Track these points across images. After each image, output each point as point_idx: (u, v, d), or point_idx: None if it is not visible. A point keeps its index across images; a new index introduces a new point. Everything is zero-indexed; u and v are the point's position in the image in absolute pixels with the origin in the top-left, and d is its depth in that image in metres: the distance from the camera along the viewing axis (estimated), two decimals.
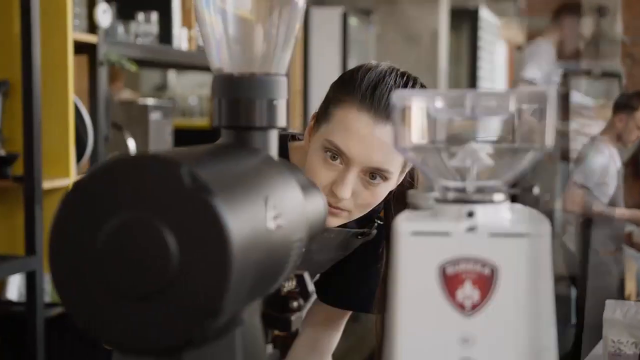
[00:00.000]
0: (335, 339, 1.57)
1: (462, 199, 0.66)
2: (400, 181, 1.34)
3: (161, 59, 3.45)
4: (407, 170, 1.33)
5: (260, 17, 0.76)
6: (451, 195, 0.67)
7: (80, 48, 2.73)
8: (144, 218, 0.57)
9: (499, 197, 0.66)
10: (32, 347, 2.52)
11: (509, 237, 0.63)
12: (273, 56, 0.76)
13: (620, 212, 4.55)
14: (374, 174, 1.26)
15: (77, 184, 0.60)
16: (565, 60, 4.65)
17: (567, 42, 4.60)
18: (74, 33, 2.64)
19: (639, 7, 4.54)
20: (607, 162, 4.34)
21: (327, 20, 5.26)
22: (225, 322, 0.61)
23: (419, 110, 0.67)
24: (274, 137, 0.76)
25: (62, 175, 2.58)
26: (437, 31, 5.94)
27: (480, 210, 0.65)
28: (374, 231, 1.42)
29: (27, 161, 2.35)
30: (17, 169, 2.48)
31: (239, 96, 0.73)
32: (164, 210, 0.57)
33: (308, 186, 0.80)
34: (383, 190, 1.29)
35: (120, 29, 3.08)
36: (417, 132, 0.67)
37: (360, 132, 1.23)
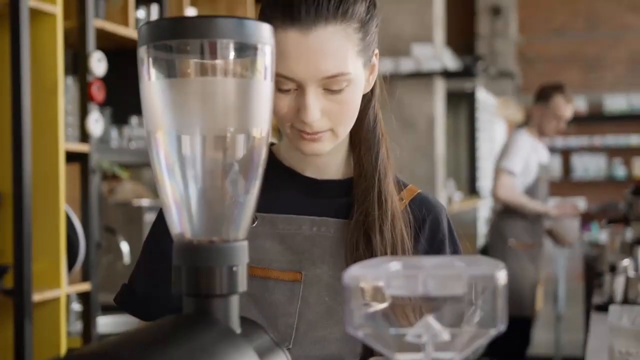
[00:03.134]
0: None
1: None
2: (372, 83, 1.28)
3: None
4: (372, 59, 1.25)
5: (220, 184, 0.76)
6: None
7: (73, 156, 2.74)
8: None
9: None
10: None
11: None
12: (233, 222, 0.75)
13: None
14: (332, 87, 1.17)
15: None
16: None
17: (545, 125, 4.58)
18: (66, 143, 2.65)
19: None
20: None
21: None
22: None
23: (370, 288, 0.66)
24: (234, 303, 0.75)
25: (53, 286, 2.56)
26: (433, 116, 5.99)
27: None
28: None
29: (18, 274, 2.33)
30: (7, 281, 2.46)
31: (199, 264, 0.73)
32: None
33: (271, 348, 0.79)
34: (352, 95, 1.20)
35: (114, 133, 3.11)
36: (369, 308, 0.67)
37: (295, 50, 1.15)
